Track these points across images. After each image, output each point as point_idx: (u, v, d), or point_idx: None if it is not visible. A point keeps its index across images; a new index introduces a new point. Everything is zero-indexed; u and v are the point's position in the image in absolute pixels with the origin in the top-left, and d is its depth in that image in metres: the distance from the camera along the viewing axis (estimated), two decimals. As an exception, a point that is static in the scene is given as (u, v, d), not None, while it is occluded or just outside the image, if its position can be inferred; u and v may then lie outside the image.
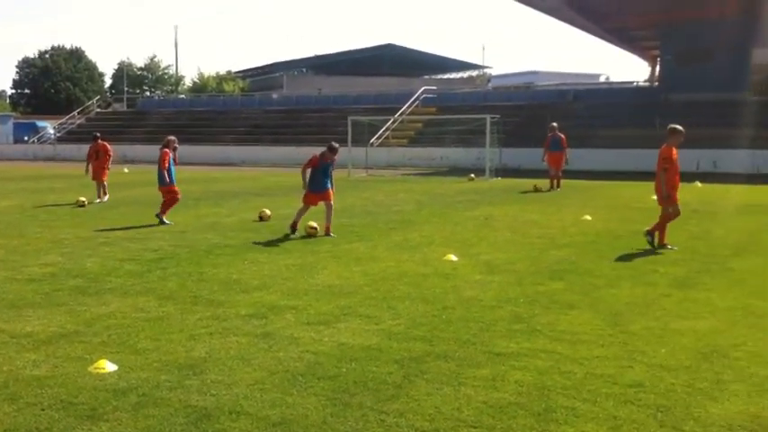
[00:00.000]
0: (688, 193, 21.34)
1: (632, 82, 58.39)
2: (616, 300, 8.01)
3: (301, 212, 13.01)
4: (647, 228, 11.66)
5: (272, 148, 45.41)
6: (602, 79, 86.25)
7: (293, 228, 12.85)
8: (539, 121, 39.46)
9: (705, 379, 5.51)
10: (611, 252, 11.12)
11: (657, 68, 48.92)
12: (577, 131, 38.89)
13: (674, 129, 11.46)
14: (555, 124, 23.81)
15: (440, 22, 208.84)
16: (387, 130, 42.17)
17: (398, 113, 44.00)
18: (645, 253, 11.06)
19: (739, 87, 39.76)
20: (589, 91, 49.75)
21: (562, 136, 23.31)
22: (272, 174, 33.04)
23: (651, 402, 5.05)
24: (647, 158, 34.70)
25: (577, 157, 35.29)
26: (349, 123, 34.44)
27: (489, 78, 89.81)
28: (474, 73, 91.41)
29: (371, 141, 40.02)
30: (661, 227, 11.48)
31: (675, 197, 11.43)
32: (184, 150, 19.53)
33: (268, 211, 15.25)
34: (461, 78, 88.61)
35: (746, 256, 10.83)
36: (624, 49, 58.85)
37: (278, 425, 4.71)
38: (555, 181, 23.09)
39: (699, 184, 24.99)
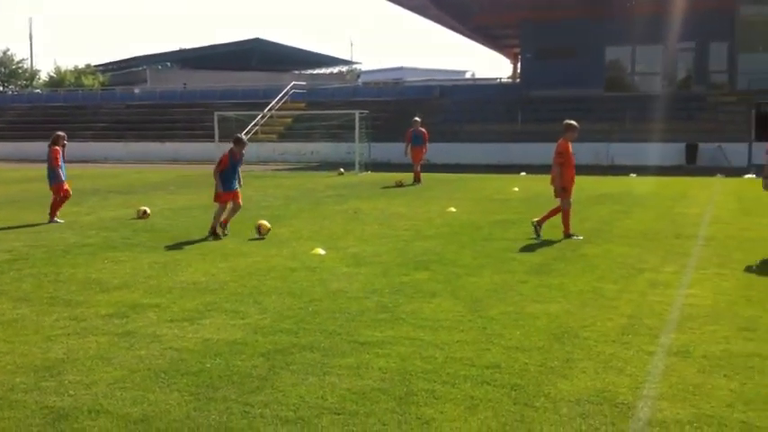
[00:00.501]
0: (547, 184, 22.33)
1: (496, 78, 60.33)
2: (476, 287, 8.31)
3: (219, 214, 12.26)
4: (536, 219, 12.07)
5: (135, 145, 44.04)
6: (467, 76, 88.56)
7: (214, 231, 12.02)
8: (407, 117, 40.02)
9: (556, 358, 5.81)
10: (473, 242, 11.51)
11: (519, 66, 50.67)
12: (444, 126, 39.88)
13: (570, 124, 11.93)
14: (417, 119, 24.06)
15: (309, 18, 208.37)
16: (256, 125, 41.73)
17: (267, 109, 43.62)
18: (505, 242, 11.50)
19: (595, 84, 41.84)
20: (455, 87, 50.98)
21: (424, 131, 23.63)
22: (136, 170, 32.05)
23: (506, 382, 5.29)
24: (510, 152, 36.23)
25: (444, 152, 36.26)
26: (215, 119, 33.90)
27: (359, 74, 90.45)
28: (344, 68, 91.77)
29: (240, 137, 39.60)
30: (563, 217, 11.88)
31: (571, 190, 11.88)
32: (40, 148, 18.68)
33: (148, 209, 14.85)
34: (331, 74, 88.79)
35: (598, 242, 11.44)
36: (488, 47, 60.67)
37: (139, 422, 4.63)
38: (416, 175, 23.34)
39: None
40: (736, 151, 33.49)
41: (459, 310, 7.27)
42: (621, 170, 29.29)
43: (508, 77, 60.42)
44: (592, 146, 35.06)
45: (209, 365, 5.69)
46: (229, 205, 12.36)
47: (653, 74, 43.54)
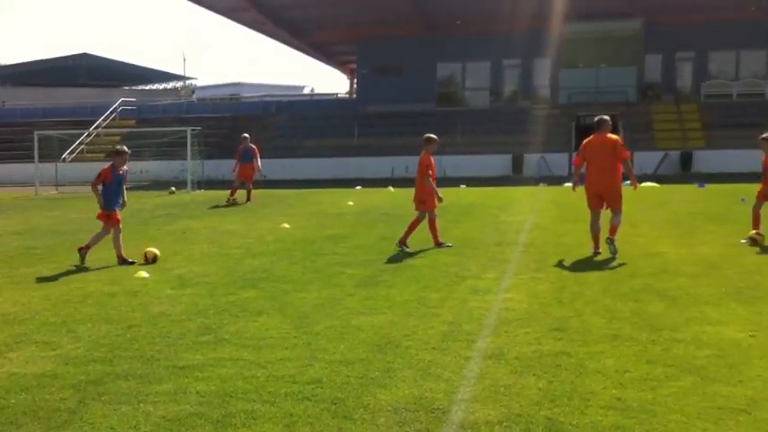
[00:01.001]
0: (382, 197, 22.76)
1: (334, 94, 60.90)
2: (304, 303, 8.28)
3: (102, 236, 11.36)
4: (401, 237, 12.17)
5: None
6: (306, 91, 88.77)
7: (83, 255, 11.15)
8: (243, 133, 39.73)
9: (377, 369, 5.88)
10: (304, 258, 11.50)
11: (356, 81, 51.44)
12: (281, 142, 39.82)
13: (430, 137, 12.38)
14: (246, 135, 23.55)
15: (140, 33, 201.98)
16: (81, 144, 39.91)
17: (93, 126, 41.83)
18: (336, 256, 11.56)
19: (427, 99, 43.18)
20: (292, 103, 51.07)
21: (254, 147, 23.18)
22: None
23: (327, 396, 5.28)
24: (347, 166, 36.66)
25: (281, 168, 36.17)
26: (35, 138, 32.15)
27: (194, 90, 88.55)
28: (178, 84, 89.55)
29: (63, 156, 37.70)
30: (430, 227, 12.27)
31: (433, 201, 12.28)
32: None
33: None
34: (165, 89, 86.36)
35: (427, 253, 11.73)
36: (326, 63, 61.15)
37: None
38: (247, 192, 22.73)
39: (392, 188, 26.59)
40: (558, 161, 35.50)
41: (285, 328, 7.21)
42: (453, 182, 30.24)
43: (346, 93, 61.13)
44: (425, 159, 36.07)
45: (13, 401, 5.33)
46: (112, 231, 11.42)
47: (482, 89, 45.48)
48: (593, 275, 9.55)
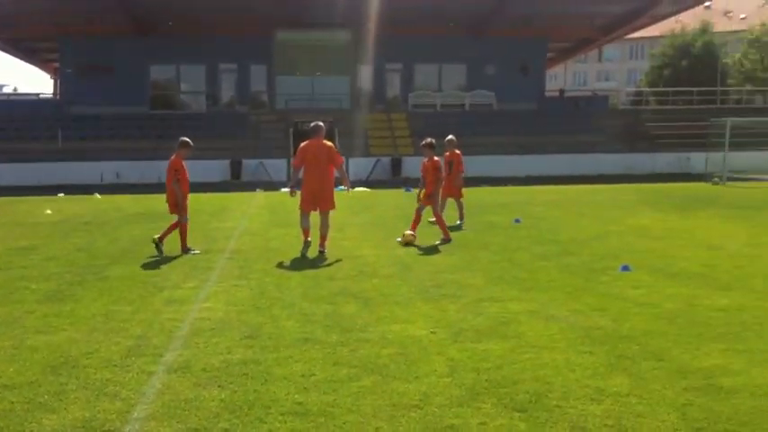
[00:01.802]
0: (86, 205, 21.35)
1: (37, 94, 56.49)
2: (-27, 323, 7.41)
3: None
4: (157, 235, 11.98)
5: None
6: (6, 90, 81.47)
7: None
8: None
9: (48, 392, 5.37)
10: (-17, 272, 10.36)
11: (59, 82, 48.06)
12: (-27, 145, 36.01)
13: (185, 141, 12.17)
14: None
15: None
16: None
17: None
18: (20, 270, 10.55)
19: (140, 101, 41.47)
20: (-14, 102, 46.63)
21: None
22: None
23: (-19, 429, 4.71)
24: (50, 172, 33.97)
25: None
26: None
27: None
28: None
29: None
30: (180, 233, 12.06)
31: (186, 206, 12.12)
32: None
33: None
34: None
35: (124, 263, 11.10)
36: (25, 60, 56.43)
37: None
38: None
39: (98, 195, 25.10)
40: (276, 166, 35.78)
41: (-56, 353, 6.37)
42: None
43: (52, 93, 56.89)
44: (137, 164, 34.67)
45: None
46: None
47: (198, 93, 44.64)
48: (294, 280, 9.61)
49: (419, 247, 12.31)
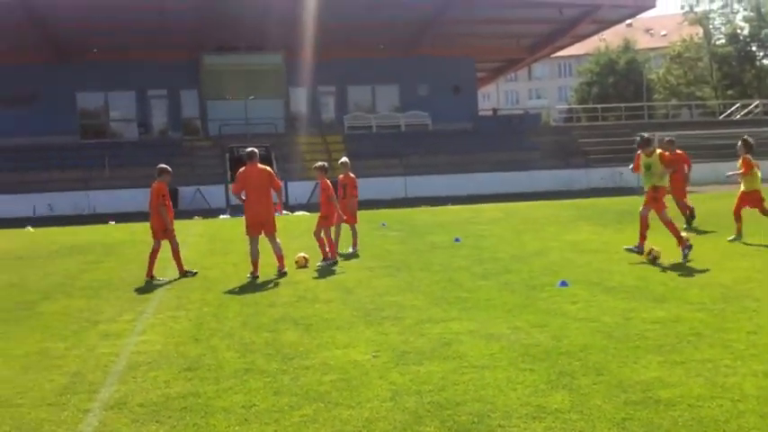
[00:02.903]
0: (15, 239, 20.71)
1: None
2: None
3: None
4: (146, 277, 12.21)
5: None
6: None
7: None
8: None
9: (-23, 438, 5.17)
10: None
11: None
12: None
13: (164, 168, 12.77)
14: None
15: None
16: None
17: None
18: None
19: (69, 130, 40.59)
20: None
21: None
22: None
23: None
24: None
25: None
26: None
27: None
28: None
29: None
30: (176, 258, 12.60)
31: (173, 229, 12.62)
32: None
33: None
34: None
35: (57, 298, 10.80)
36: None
37: None
38: None
39: (31, 228, 24.41)
40: (213, 193, 35.35)
41: None
42: (101, 218, 28.72)
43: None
44: (70, 195, 33.90)
45: None
46: None
47: (129, 120, 43.92)
48: (233, 309, 9.47)
49: (358, 271, 12.30)
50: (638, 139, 12.62)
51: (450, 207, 27.96)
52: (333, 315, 8.79)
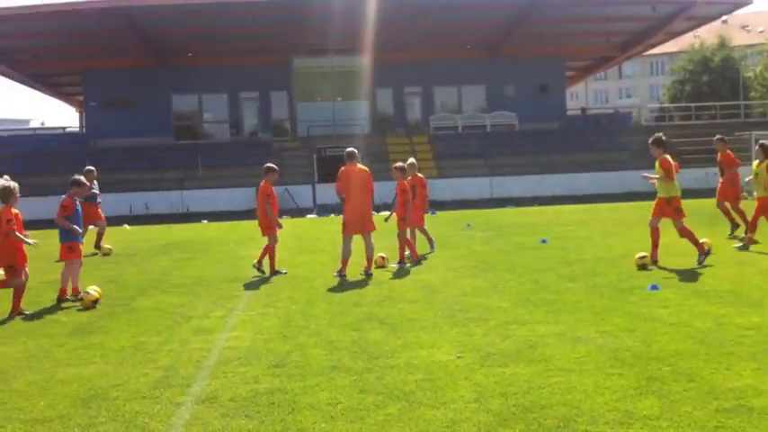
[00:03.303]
0: (115, 237, 21.54)
1: (63, 128, 57.28)
2: (5, 357, 7.51)
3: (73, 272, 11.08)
4: (254, 261, 12.82)
5: None
6: (34, 125, 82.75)
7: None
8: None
9: (78, 425, 5.42)
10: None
11: (85, 115, 48.76)
12: None
13: (271, 167, 13.06)
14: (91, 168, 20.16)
15: None
16: None
17: None
18: (48, 302, 10.66)
19: (163, 132, 41.94)
20: (13, 137, 47.42)
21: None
22: None
23: (14, 464, 4.76)
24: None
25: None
26: None
27: None
28: None
29: None
30: (269, 255, 12.74)
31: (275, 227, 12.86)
32: None
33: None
34: None
35: (152, 294, 11.20)
36: (51, 95, 57.35)
37: None
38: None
39: (127, 227, 25.36)
40: (301, 193, 35.92)
41: (-22, 388, 6.46)
42: (195, 217, 29.59)
43: (77, 127, 57.67)
44: (165, 194, 35.01)
45: None
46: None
47: (222, 122, 45.03)
48: (320, 307, 9.62)
49: (446, 272, 12.30)
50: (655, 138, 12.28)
51: (535, 208, 27.62)
52: (418, 315, 8.82)
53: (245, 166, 37.07)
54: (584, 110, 56.24)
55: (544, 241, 15.71)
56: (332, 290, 11.00)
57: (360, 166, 12.46)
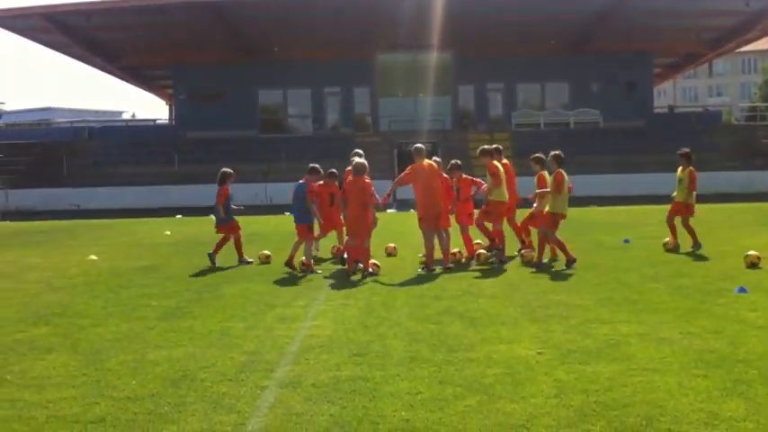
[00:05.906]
0: (202, 227, 22.22)
1: (153, 120, 59.11)
2: (99, 338, 7.86)
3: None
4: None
5: None
6: (126, 117, 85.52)
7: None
8: (53, 159, 37.67)
9: (168, 404, 5.64)
10: (108, 291, 10.95)
11: (174, 107, 50.23)
12: (95, 170, 38.07)
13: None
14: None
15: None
16: None
17: None
18: (143, 288, 11.10)
19: (249, 125, 42.81)
20: (107, 128, 49.17)
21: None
22: None
23: (110, 437, 5.00)
24: (167, 195, 35.52)
25: (94, 196, 34.57)
26: None
27: (0, 115, 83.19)
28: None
29: None
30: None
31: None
32: None
33: None
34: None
35: (238, 282, 11.51)
36: (142, 87, 59.25)
37: None
38: None
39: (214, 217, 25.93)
40: (382, 188, 35.98)
41: (74, 365, 6.79)
42: (278, 209, 30.12)
43: (166, 119, 59.47)
44: (250, 186, 35.74)
45: None
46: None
47: (305, 116, 45.72)
48: (400, 299, 9.72)
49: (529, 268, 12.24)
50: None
51: (618, 207, 27.10)
52: (497, 310, 8.82)
53: (326, 160, 37.57)
54: (671, 108, 54.79)
55: (627, 241, 15.43)
56: (412, 283, 11.09)
57: (427, 161, 12.36)
